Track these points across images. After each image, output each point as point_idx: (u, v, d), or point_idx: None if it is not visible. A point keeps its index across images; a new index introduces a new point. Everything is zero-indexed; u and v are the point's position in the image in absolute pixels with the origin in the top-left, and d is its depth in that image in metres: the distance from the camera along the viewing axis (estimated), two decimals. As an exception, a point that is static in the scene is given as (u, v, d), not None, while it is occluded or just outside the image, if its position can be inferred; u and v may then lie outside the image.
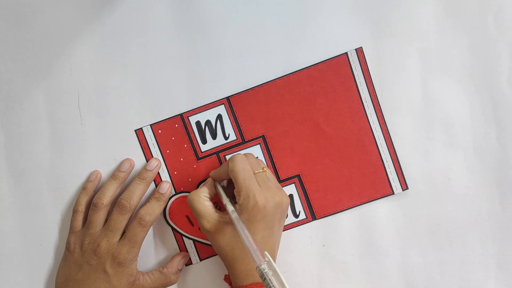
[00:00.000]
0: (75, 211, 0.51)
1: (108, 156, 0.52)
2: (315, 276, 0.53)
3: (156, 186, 0.52)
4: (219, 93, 0.52)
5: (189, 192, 0.51)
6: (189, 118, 0.52)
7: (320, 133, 0.52)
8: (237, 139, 0.52)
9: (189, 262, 0.53)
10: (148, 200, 0.51)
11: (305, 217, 0.53)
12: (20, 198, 0.52)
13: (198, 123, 0.52)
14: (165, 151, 0.52)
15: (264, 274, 0.39)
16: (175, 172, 0.52)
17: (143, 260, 0.52)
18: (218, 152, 0.52)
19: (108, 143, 0.52)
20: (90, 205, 0.50)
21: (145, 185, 0.51)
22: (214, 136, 0.52)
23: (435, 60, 0.51)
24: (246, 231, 0.43)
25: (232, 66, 0.52)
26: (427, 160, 0.52)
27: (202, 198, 0.48)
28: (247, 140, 0.52)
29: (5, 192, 0.52)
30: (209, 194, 0.49)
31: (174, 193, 0.52)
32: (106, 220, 0.50)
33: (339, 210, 0.52)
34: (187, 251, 0.53)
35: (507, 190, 0.52)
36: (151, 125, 0.52)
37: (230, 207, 0.46)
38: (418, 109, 0.52)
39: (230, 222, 0.46)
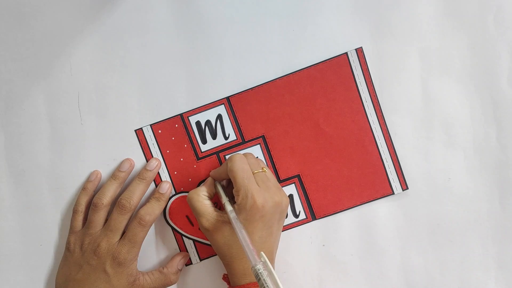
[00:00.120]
0: (75, 211, 0.51)
1: (108, 156, 0.52)
2: (315, 276, 0.53)
3: (156, 186, 0.52)
4: (219, 93, 0.52)
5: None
6: (189, 118, 0.52)
7: (320, 133, 0.52)
8: (237, 139, 0.52)
9: (189, 262, 0.53)
10: (148, 200, 0.51)
11: (305, 217, 0.53)
12: (20, 198, 0.53)
13: (198, 123, 0.52)
14: (165, 151, 0.52)
15: (259, 274, 0.39)
16: (175, 172, 0.52)
17: (143, 260, 0.52)
18: (218, 152, 0.52)
19: (108, 143, 0.52)
20: (90, 205, 0.50)
21: (145, 185, 0.51)
22: (214, 136, 0.52)
23: (435, 60, 0.51)
24: (243, 231, 0.43)
25: (232, 66, 0.52)
26: (427, 160, 0.52)
27: (201, 197, 0.48)
28: (247, 140, 0.52)
29: (5, 192, 0.52)
30: (208, 193, 0.49)
31: (174, 193, 0.52)
32: (106, 220, 0.50)
33: (339, 210, 0.52)
34: (187, 251, 0.53)
35: (507, 190, 0.52)
36: (151, 125, 0.52)
37: (228, 207, 0.46)
38: (418, 109, 0.52)
39: (229, 221, 0.46)
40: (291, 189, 0.52)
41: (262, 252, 0.40)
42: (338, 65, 0.51)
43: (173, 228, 0.53)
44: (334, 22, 0.51)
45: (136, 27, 0.51)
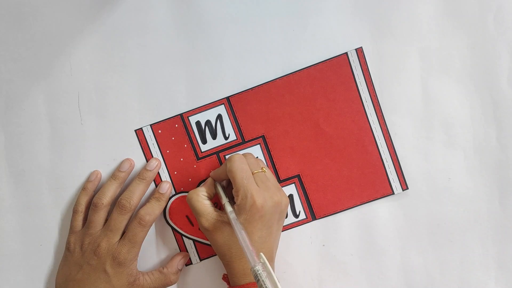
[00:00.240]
0: (75, 211, 0.51)
1: (108, 156, 0.52)
2: (315, 276, 0.53)
3: (156, 186, 0.52)
4: (219, 93, 0.52)
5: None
6: (189, 118, 0.52)
7: (320, 133, 0.52)
8: (237, 139, 0.52)
9: (189, 262, 0.53)
10: (148, 200, 0.51)
11: (305, 217, 0.53)
12: (20, 198, 0.53)
13: (198, 123, 0.52)
14: (165, 151, 0.52)
15: (258, 275, 0.39)
16: (175, 172, 0.52)
17: (143, 260, 0.52)
18: (218, 152, 0.52)
19: (108, 143, 0.52)
20: (90, 205, 0.50)
21: (145, 185, 0.51)
22: (214, 136, 0.52)
23: (435, 60, 0.51)
24: (243, 232, 0.43)
25: (232, 66, 0.52)
26: (427, 160, 0.52)
27: (201, 197, 0.48)
28: (247, 140, 0.52)
29: (5, 192, 0.52)
30: (208, 193, 0.49)
31: (174, 193, 0.52)
32: (106, 220, 0.50)
33: (339, 210, 0.52)
34: (187, 251, 0.53)
35: (507, 190, 0.52)
36: (151, 125, 0.52)
37: (228, 207, 0.46)
38: (418, 109, 0.52)
39: (228, 222, 0.46)
40: (291, 189, 0.52)
41: (261, 253, 0.40)
42: (338, 65, 0.51)
43: (173, 228, 0.53)
44: (334, 22, 0.51)
45: (136, 27, 0.51)
